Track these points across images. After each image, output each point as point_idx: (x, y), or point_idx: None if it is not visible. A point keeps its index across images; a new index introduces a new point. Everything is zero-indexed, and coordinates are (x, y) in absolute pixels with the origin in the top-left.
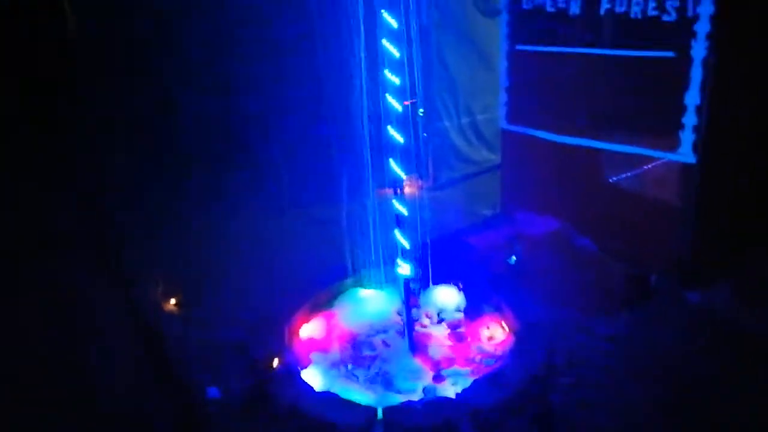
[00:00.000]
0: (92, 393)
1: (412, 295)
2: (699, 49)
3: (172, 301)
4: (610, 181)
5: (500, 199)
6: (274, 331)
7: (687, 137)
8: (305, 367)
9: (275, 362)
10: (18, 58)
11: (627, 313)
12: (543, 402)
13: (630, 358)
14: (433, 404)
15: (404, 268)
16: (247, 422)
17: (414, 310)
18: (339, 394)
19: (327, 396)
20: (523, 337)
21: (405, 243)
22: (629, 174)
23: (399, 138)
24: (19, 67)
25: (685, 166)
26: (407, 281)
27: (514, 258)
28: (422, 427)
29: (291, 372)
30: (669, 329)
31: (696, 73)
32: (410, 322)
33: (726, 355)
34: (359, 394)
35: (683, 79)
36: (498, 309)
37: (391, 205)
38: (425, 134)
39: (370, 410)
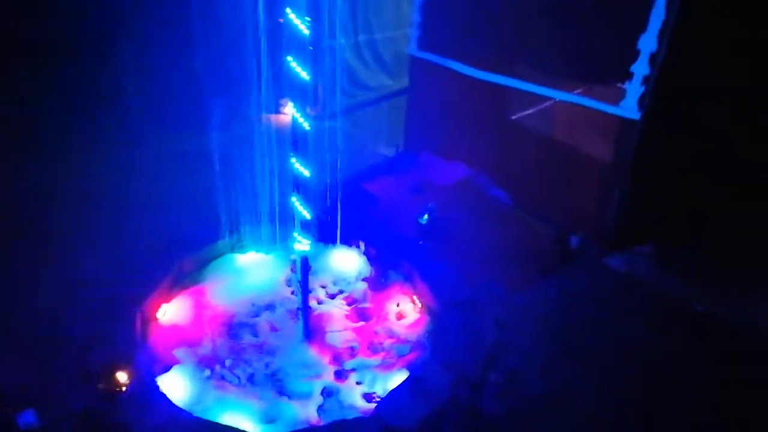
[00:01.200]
0: None
1: (308, 271)
2: None
3: None
4: (532, 128)
5: (404, 138)
6: (122, 318)
7: (634, 89)
8: (166, 370)
9: (120, 375)
10: None
11: (548, 280)
12: (473, 412)
13: (558, 338)
14: (342, 430)
15: (303, 244)
16: None
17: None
18: (210, 418)
19: (196, 426)
20: (442, 321)
21: (305, 213)
22: (554, 123)
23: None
24: None
25: (625, 122)
26: (305, 260)
27: (425, 216)
28: None
29: (144, 384)
30: (593, 302)
31: (657, 14)
32: (306, 308)
33: (650, 324)
34: (239, 408)
35: (641, 19)
36: (408, 279)
37: (290, 164)
38: (311, 48)
39: None
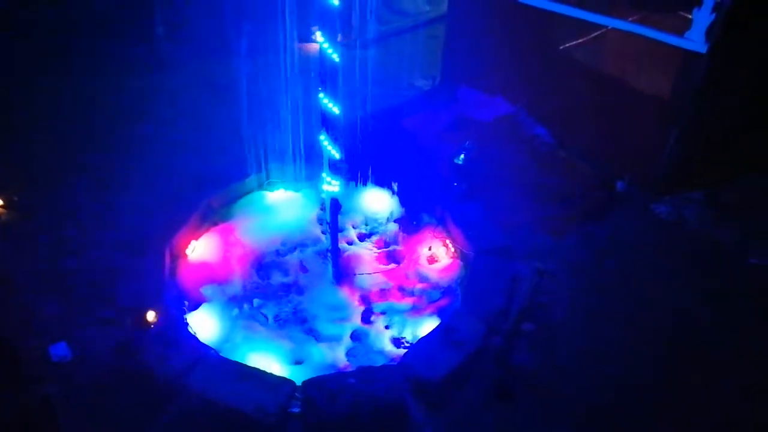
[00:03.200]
0: None
1: (338, 212)
2: None
3: None
4: (580, 60)
5: (441, 69)
6: (150, 255)
7: (702, 18)
8: (195, 308)
9: (150, 314)
10: None
11: (592, 226)
12: (503, 363)
13: (599, 289)
14: (369, 376)
15: (333, 184)
16: (105, 400)
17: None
18: (237, 358)
19: (224, 366)
20: (475, 267)
21: (335, 152)
22: (605, 54)
23: None
24: None
25: (689, 55)
26: (335, 201)
27: (462, 156)
28: (355, 414)
29: (172, 324)
30: (639, 251)
31: None
32: (336, 251)
33: (699, 278)
34: (267, 348)
35: None
36: (442, 222)
37: (318, 100)
38: None
39: (286, 387)
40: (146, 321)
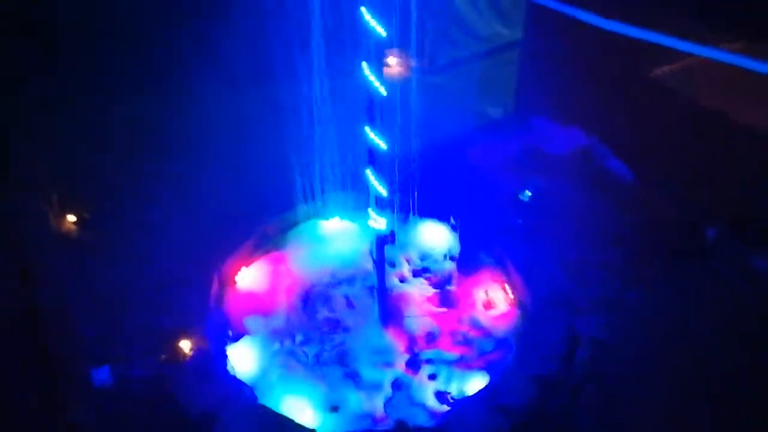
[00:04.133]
0: None
1: (385, 250)
2: None
3: (70, 219)
4: (669, 90)
5: (515, 97)
6: (198, 282)
7: None
8: (237, 339)
9: (185, 344)
10: None
11: (672, 278)
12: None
13: (671, 358)
14: None
15: (378, 222)
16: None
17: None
18: (271, 409)
19: (254, 410)
20: (534, 320)
21: (381, 189)
22: (700, 85)
23: None
24: None
25: None
26: (382, 238)
27: (528, 193)
28: None
29: (211, 356)
30: (726, 314)
31: None
32: (383, 291)
33: None
34: (303, 390)
35: None
36: (501, 264)
37: (364, 133)
38: None
39: None
40: (183, 352)
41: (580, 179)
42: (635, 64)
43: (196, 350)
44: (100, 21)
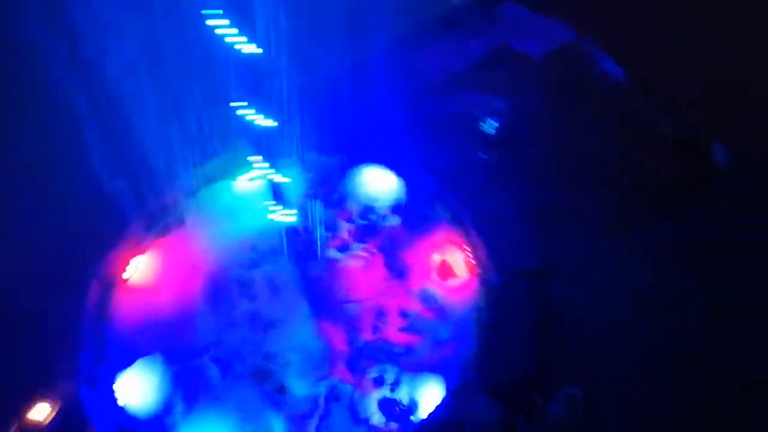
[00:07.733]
0: None
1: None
2: None
3: None
4: None
5: None
6: (71, 296)
7: None
8: (126, 365)
9: (41, 408)
10: None
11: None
12: None
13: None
14: None
15: (284, 215)
16: None
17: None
18: None
19: None
20: (499, 303)
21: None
22: None
23: None
24: None
25: None
26: (292, 231)
27: (493, 123)
28: None
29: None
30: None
31: None
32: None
33: None
34: (212, 426)
35: None
36: (458, 219)
37: None
38: None
39: None
40: (37, 422)
41: (560, 91)
42: None
43: (57, 412)
44: None
